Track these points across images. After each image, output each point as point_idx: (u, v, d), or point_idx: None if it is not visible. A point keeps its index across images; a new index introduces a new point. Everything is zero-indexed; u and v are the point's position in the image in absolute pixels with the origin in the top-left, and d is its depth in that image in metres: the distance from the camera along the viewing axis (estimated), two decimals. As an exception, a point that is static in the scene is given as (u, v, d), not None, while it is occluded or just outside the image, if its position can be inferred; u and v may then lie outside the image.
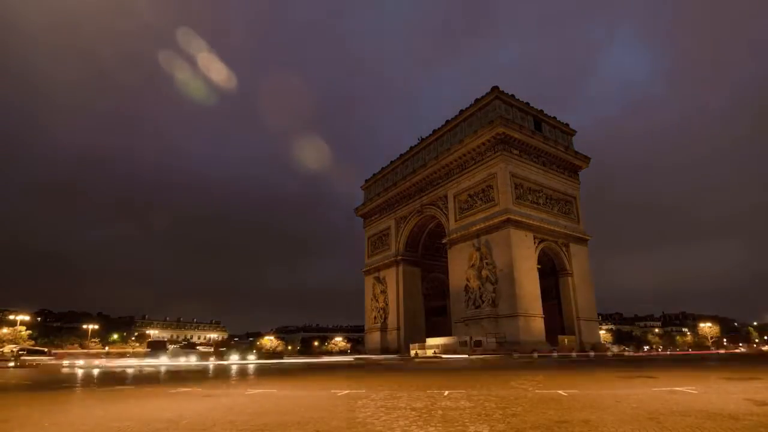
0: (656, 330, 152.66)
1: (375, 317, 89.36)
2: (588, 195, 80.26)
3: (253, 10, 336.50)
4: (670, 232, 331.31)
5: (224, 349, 70.78)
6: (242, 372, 28.26)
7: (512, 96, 69.63)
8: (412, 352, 62.64)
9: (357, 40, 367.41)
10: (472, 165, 69.52)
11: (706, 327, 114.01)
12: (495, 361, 39.41)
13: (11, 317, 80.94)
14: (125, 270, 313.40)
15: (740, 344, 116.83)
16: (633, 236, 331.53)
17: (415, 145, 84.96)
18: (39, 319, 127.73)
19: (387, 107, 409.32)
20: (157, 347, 60.15)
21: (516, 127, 66.26)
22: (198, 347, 78.75)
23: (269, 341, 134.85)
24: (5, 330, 77.11)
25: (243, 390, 15.22)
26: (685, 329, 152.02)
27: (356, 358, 62.32)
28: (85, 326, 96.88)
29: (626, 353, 72.56)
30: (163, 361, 46.50)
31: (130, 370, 31.50)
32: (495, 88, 68.37)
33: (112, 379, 22.19)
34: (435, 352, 58.82)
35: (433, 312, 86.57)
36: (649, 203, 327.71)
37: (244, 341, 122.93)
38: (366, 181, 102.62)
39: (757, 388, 12.42)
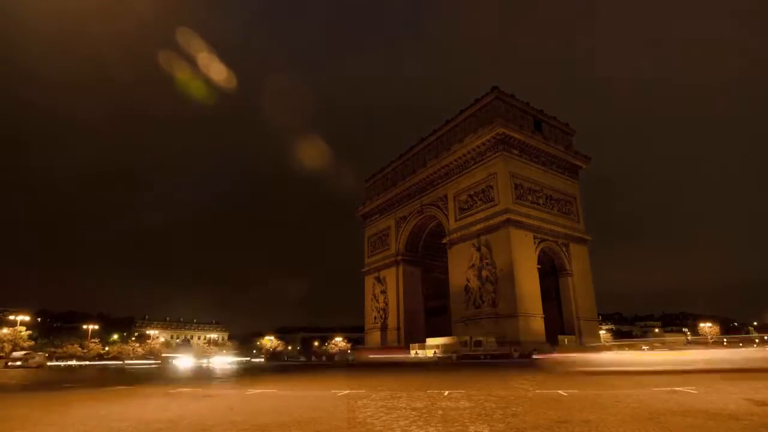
0: (656, 330, 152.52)
1: (375, 317, 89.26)
2: (589, 194, 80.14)
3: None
4: (671, 232, 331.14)
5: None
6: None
7: (512, 96, 69.57)
8: (412, 352, 62.50)
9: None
10: (472, 165, 69.48)
11: (706, 327, 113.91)
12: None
13: (11, 317, 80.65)
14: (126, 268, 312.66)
15: None
16: (633, 236, 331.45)
17: (415, 145, 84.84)
18: (39, 319, 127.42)
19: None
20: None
21: (516, 127, 66.20)
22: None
23: (269, 341, 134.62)
24: (5, 330, 76.75)
25: (243, 390, 15.22)
26: (685, 329, 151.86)
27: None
28: (84, 326, 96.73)
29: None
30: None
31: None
32: (495, 88, 68.27)
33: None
34: (435, 353, 58.70)
35: (433, 312, 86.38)
36: (650, 203, 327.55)
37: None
38: (366, 181, 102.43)
39: (757, 388, 12.40)
